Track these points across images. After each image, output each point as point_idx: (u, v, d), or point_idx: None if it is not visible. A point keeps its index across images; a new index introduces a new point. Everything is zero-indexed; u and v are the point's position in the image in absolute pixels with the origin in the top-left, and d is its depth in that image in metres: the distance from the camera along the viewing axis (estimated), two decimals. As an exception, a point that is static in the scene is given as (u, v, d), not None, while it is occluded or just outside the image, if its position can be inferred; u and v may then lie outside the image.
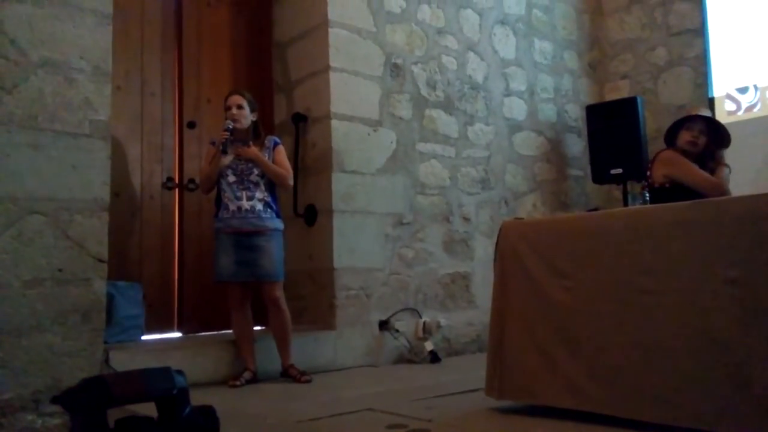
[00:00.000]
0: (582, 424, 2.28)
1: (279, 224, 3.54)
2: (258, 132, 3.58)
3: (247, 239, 3.42)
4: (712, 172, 3.51)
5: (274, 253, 3.45)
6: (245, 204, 3.43)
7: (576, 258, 2.48)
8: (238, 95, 3.55)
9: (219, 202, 3.52)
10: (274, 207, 3.52)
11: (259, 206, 3.45)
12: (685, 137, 3.48)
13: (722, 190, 3.33)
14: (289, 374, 3.45)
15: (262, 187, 3.48)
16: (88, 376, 1.61)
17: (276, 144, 3.60)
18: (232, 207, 3.44)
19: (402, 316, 4.26)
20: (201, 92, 4.22)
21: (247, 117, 3.52)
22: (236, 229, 3.43)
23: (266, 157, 3.51)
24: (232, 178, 3.47)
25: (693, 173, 3.39)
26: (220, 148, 3.43)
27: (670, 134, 3.58)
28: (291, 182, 3.62)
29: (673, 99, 5.59)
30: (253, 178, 3.47)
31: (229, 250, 3.43)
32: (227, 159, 3.48)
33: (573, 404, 2.37)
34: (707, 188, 3.28)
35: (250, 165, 3.47)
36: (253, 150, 3.48)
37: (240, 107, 3.50)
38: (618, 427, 2.19)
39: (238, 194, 3.45)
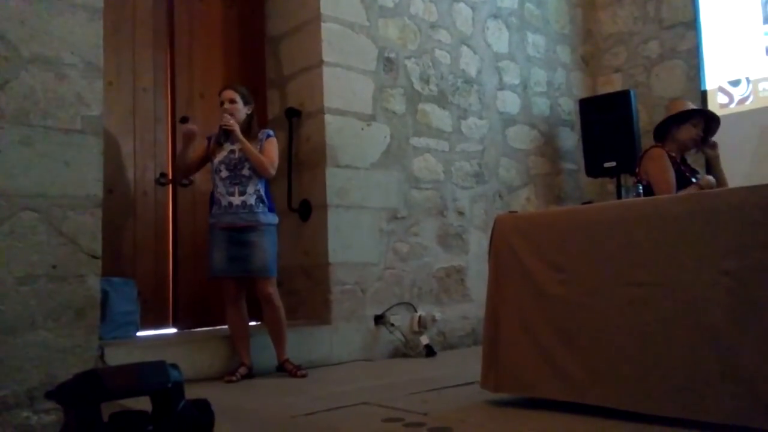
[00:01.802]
0: (577, 416, 2.29)
1: (272, 218, 3.53)
2: (250, 125, 3.57)
3: (239, 235, 3.42)
4: (711, 158, 3.52)
5: (266, 248, 3.44)
6: (236, 200, 3.42)
7: (570, 251, 2.48)
8: (230, 89, 3.55)
9: (212, 198, 3.52)
10: (266, 201, 3.51)
11: (251, 201, 3.43)
12: (690, 132, 3.46)
13: None
14: (284, 369, 3.45)
15: (255, 181, 3.47)
16: (82, 371, 1.60)
17: (268, 136, 3.59)
18: (224, 202, 3.44)
19: (397, 311, 4.26)
20: (193, 87, 4.20)
21: (240, 111, 3.52)
22: (229, 224, 3.42)
23: (257, 149, 3.49)
24: (224, 174, 3.46)
25: (662, 178, 3.34)
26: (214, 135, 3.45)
27: (662, 129, 3.55)
28: (272, 171, 3.51)
29: (666, 92, 5.60)
30: (245, 172, 3.45)
31: (222, 245, 3.43)
32: (220, 155, 3.48)
33: (568, 396, 2.38)
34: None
35: (241, 159, 3.45)
36: (236, 125, 3.43)
37: (232, 101, 3.50)
38: (613, 418, 2.20)
39: (230, 190, 3.44)
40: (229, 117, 3.44)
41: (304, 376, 3.40)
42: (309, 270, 4.14)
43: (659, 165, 3.40)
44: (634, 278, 2.28)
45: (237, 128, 3.43)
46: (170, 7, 4.18)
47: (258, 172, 3.46)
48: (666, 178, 3.35)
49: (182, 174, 3.66)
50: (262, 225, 3.45)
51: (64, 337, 2.90)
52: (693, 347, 2.10)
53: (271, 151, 3.53)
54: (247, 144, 3.44)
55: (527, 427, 2.27)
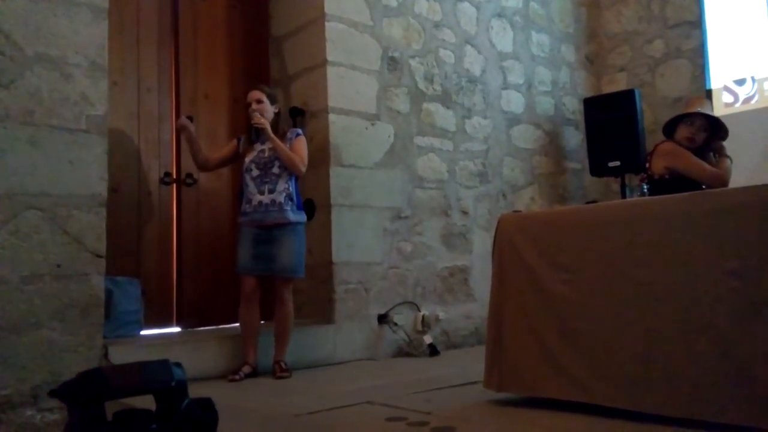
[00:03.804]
0: (580, 416, 2.29)
1: (301, 217, 3.55)
2: (277, 124, 3.59)
3: (266, 233, 3.45)
4: (713, 164, 3.51)
5: (292, 248, 3.46)
6: (266, 198, 3.45)
7: (574, 250, 2.48)
8: (256, 90, 3.60)
9: (242, 196, 3.56)
10: (295, 199, 3.52)
11: (281, 198, 3.45)
12: (683, 132, 3.47)
13: (725, 182, 3.33)
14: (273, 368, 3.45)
15: (285, 179, 3.48)
16: (86, 369, 1.61)
17: (297, 134, 3.62)
18: (255, 201, 3.48)
19: (401, 310, 4.26)
20: (198, 87, 4.21)
21: (268, 110, 3.55)
22: (258, 223, 3.46)
23: (287, 147, 3.51)
24: (255, 173, 3.50)
25: (694, 165, 3.38)
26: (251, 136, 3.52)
27: (670, 126, 3.57)
28: (303, 169, 3.53)
29: (671, 91, 5.59)
30: (275, 170, 3.48)
31: (248, 243, 3.46)
32: (252, 154, 3.53)
33: (571, 396, 2.37)
34: (709, 180, 3.28)
35: (272, 157, 3.48)
36: (267, 123, 3.47)
37: (259, 101, 3.55)
38: (617, 418, 2.20)
39: (261, 188, 3.47)
40: (259, 116, 3.47)
41: (282, 378, 3.37)
42: (313, 269, 4.13)
43: (683, 155, 3.40)
44: (639, 278, 2.27)
45: (268, 126, 3.47)
46: (174, 7, 4.18)
47: (289, 169, 3.49)
48: (698, 162, 3.38)
49: (203, 170, 3.75)
50: (291, 223, 3.47)
51: (69, 336, 2.91)
52: (698, 347, 2.09)
53: (301, 149, 3.55)
54: (278, 142, 3.47)
55: (531, 427, 2.27)
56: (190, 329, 3.98)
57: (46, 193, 2.92)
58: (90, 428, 1.50)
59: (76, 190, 3.00)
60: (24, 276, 2.82)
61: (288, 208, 3.47)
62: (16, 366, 2.76)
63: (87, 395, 1.51)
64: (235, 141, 3.67)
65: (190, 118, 3.65)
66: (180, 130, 3.64)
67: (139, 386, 1.62)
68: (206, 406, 1.70)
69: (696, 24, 5.51)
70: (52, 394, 1.57)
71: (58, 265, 2.91)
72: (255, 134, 3.51)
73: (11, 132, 2.85)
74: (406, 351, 4.23)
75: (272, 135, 3.47)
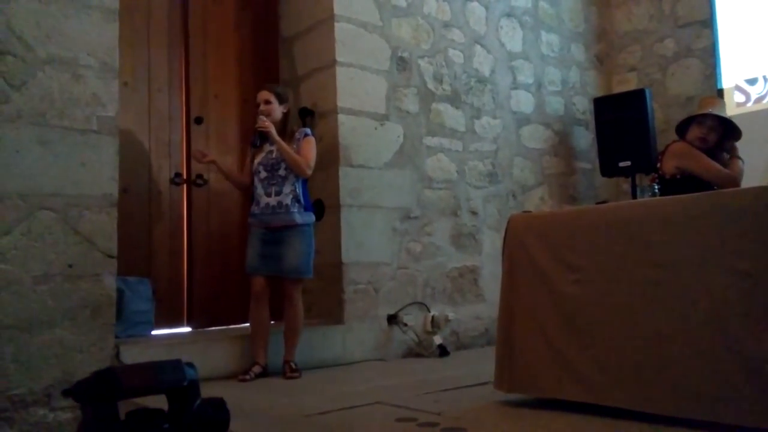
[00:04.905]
0: (591, 417, 2.28)
1: (308, 218, 3.55)
2: (285, 124, 3.59)
3: (273, 234, 3.47)
4: (725, 164, 3.49)
5: (299, 249, 3.46)
6: (273, 200, 3.46)
7: (584, 250, 2.47)
8: (265, 90, 3.60)
9: (253, 196, 3.59)
10: (303, 201, 3.51)
11: (287, 201, 3.46)
12: (695, 133, 3.46)
13: (736, 183, 3.31)
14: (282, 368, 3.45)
15: (291, 181, 3.49)
16: (98, 369, 1.62)
17: (306, 135, 3.61)
18: (262, 203, 3.50)
19: (410, 310, 4.26)
20: (208, 88, 4.22)
21: (276, 111, 3.55)
22: (265, 224, 3.48)
23: (294, 148, 3.52)
24: (263, 174, 3.52)
25: (707, 165, 3.36)
26: (256, 142, 3.53)
27: (682, 127, 3.56)
28: (308, 171, 3.52)
29: (682, 91, 5.56)
30: (281, 172, 3.49)
31: (257, 244, 3.49)
32: (259, 156, 3.54)
33: (582, 397, 2.36)
34: (721, 181, 3.26)
35: (278, 159, 3.49)
36: (271, 126, 3.47)
37: (267, 102, 3.55)
38: (627, 419, 2.19)
39: (268, 190, 3.49)
40: (264, 119, 3.48)
41: (292, 378, 3.38)
42: (322, 269, 4.13)
43: (695, 155, 3.39)
44: (649, 278, 2.26)
45: (273, 129, 3.47)
46: (184, 8, 4.20)
47: (294, 172, 3.49)
48: (710, 163, 3.37)
49: (240, 187, 3.80)
50: (298, 225, 3.48)
51: (81, 336, 2.93)
52: (711, 349, 2.08)
53: (308, 150, 3.54)
54: (283, 144, 3.47)
55: (541, 428, 2.26)
56: (200, 329, 3.99)
57: (58, 194, 2.94)
58: (103, 427, 1.51)
59: (87, 191, 3.02)
60: (36, 276, 2.84)
61: (295, 210, 3.47)
62: (29, 366, 2.78)
63: (100, 395, 1.52)
64: (250, 147, 3.66)
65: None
66: (198, 160, 3.68)
67: (152, 386, 1.63)
68: (218, 406, 1.70)
69: (707, 23, 5.48)
70: (66, 393, 1.58)
71: (70, 266, 2.93)
72: (259, 138, 3.51)
73: (23, 133, 2.87)
74: (415, 351, 4.23)
75: (277, 137, 3.46)
